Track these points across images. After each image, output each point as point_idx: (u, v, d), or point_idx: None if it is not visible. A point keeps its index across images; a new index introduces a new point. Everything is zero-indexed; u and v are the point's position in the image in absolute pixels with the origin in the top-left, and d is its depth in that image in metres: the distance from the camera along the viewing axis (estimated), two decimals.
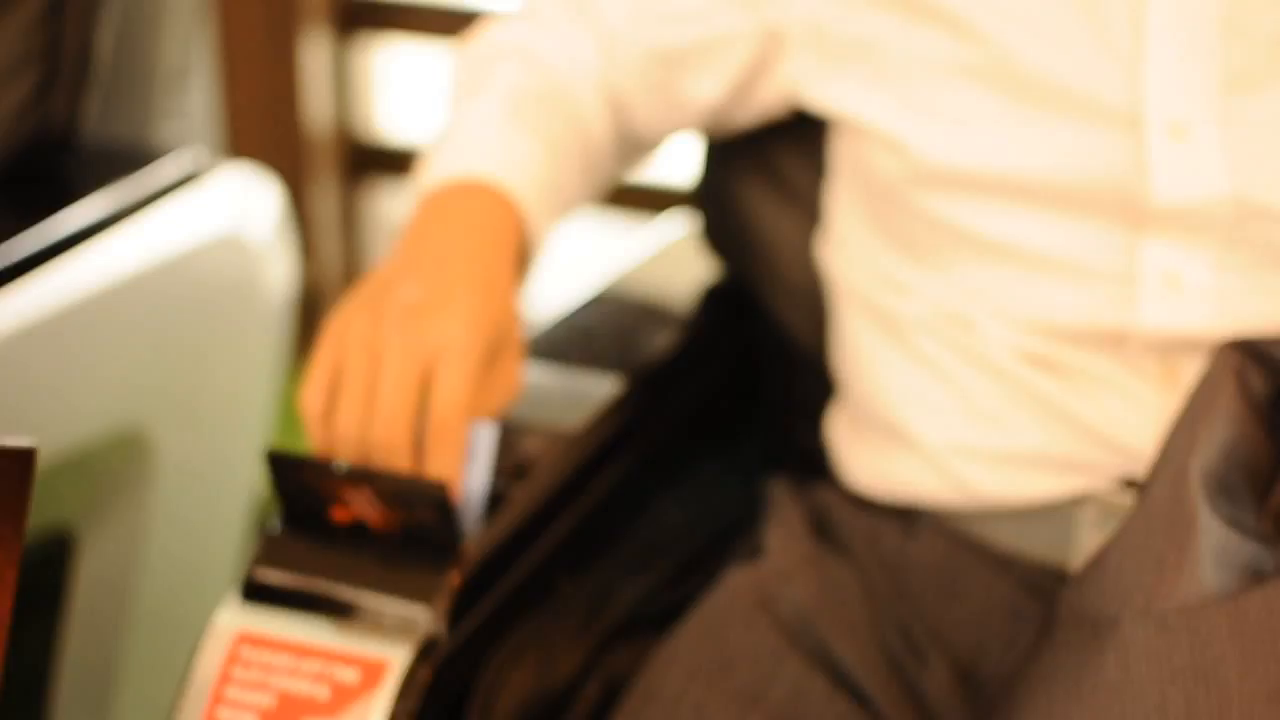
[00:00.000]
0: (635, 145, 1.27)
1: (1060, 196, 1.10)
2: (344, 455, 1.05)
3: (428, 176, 1.17)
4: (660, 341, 1.30)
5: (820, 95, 1.19)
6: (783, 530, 1.19)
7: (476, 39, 1.26)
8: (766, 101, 1.23)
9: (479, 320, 1.07)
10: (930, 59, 1.12)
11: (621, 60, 1.22)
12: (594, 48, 1.22)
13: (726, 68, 1.21)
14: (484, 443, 1.08)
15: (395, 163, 2.68)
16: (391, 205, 2.76)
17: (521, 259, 1.15)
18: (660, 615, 1.19)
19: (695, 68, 1.22)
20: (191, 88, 1.66)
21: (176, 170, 1.53)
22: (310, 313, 2.60)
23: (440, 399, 1.04)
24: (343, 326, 1.08)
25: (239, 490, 1.65)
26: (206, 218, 1.53)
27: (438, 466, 1.04)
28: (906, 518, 1.19)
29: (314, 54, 2.59)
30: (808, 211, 1.29)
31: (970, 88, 1.11)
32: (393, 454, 1.04)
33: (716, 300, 1.37)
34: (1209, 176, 1.06)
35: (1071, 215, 1.10)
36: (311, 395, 1.07)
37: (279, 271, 1.60)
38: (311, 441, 1.08)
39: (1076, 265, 1.11)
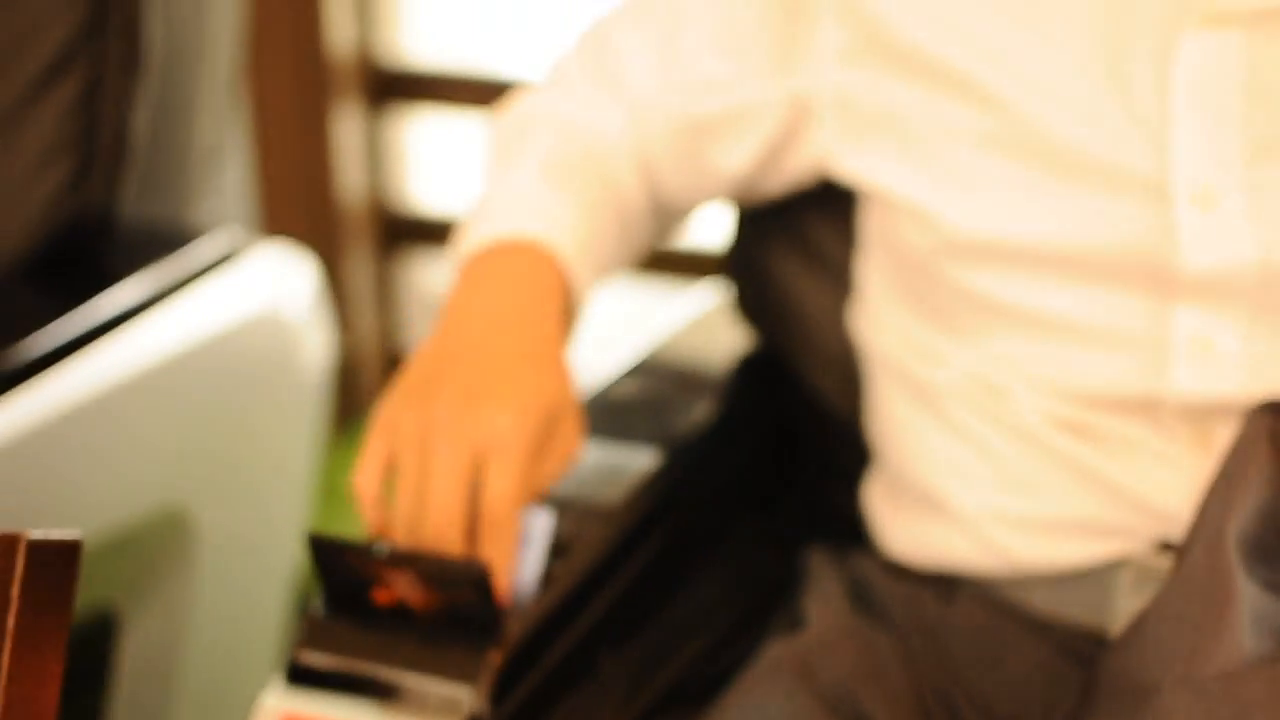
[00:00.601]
0: (668, 212, 1.28)
1: (1088, 265, 1.10)
2: (398, 540, 1.07)
3: (466, 243, 1.18)
4: (696, 413, 1.30)
5: (848, 166, 1.19)
6: (821, 600, 1.19)
7: (509, 110, 1.27)
8: (795, 171, 1.24)
9: (528, 406, 1.07)
10: (956, 130, 1.12)
11: (650, 129, 1.23)
12: (623, 116, 1.23)
13: (755, 138, 1.22)
14: (540, 528, 1.09)
15: (430, 233, 2.70)
16: (426, 276, 2.77)
17: (567, 317, 1.16)
18: (701, 689, 1.19)
19: (723, 137, 1.22)
20: (226, 165, 1.68)
21: (213, 250, 1.55)
22: (347, 386, 2.62)
23: (491, 492, 1.05)
24: (393, 414, 1.09)
25: (280, 565, 1.66)
26: (243, 297, 1.55)
27: (491, 557, 1.05)
28: (945, 584, 1.19)
29: (346, 127, 2.61)
30: (839, 280, 1.29)
31: (996, 158, 1.11)
32: (445, 545, 1.05)
33: (751, 370, 1.37)
34: (1236, 244, 1.06)
35: (1100, 284, 1.10)
36: (365, 481, 1.08)
37: (316, 347, 1.61)
38: (366, 526, 1.09)
39: (1107, 333, 1.11)
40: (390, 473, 1.08)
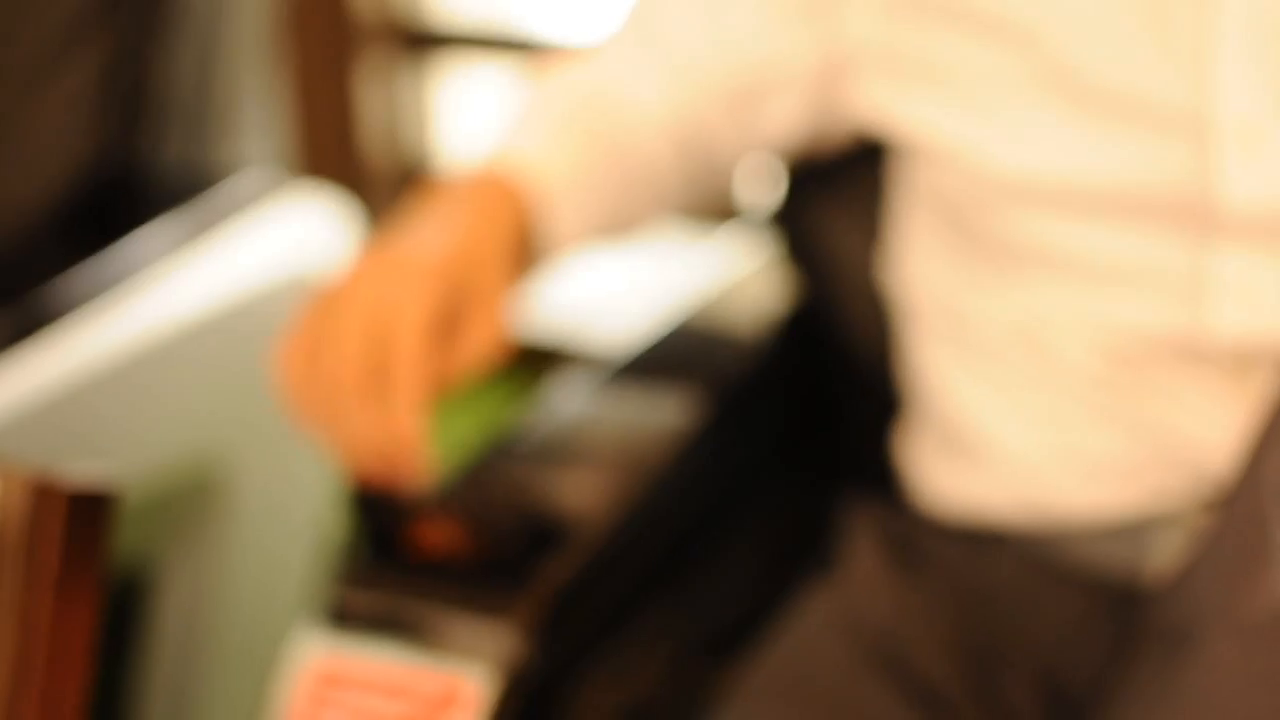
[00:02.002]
0: (715, 170, 1.27)
1: (1130, 205, 1.09)
2: (315, 413, 1.09)
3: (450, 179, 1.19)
4: (734, 369, 1.31)
5: (893, 115, 1.18)
6: (861, 550, 1.19)
7: (545, 78, 1.27)
8: (841, 125, 1.23)
9: (429, 276, 1.09)
10: (996, 72, 1.12)
11: (695, 89, 1.22)
12: (665, 78, 1.23)
13: (797, 93, 1.21)
14: None
15: None
16: None
17: (524, 248, 1.16)
18: (740, 639, 1.19)
19: (768, 94, 1.22)
20: (262, 113, 1.68)
21: (249, 195, 1.55)
22: None
23: (390, 353, 1.07)
24: (324, 294, 1.12)
25: (310, 523, 1.66)
26: (278, 248, 1.55)
27: (393, 410, 1.07)
28: (983, 537, 1.19)
29: (375, 81, 2.61)
30: (882, 234, 1.29)
31: (1037, 99, 1.11)
32: (339, 409, 1.07)
33: (788, 327, 1.37)
34: (1277, 183, 1.06)
35: (1142, 225, 1.10)
36: (288, 358, 1.11)
37: None
38: (287, 400, 1.11)
39: (1148, 276, 1.10)
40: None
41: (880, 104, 1.19)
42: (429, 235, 1.12)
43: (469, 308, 1.11)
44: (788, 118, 1.23)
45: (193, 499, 1.52)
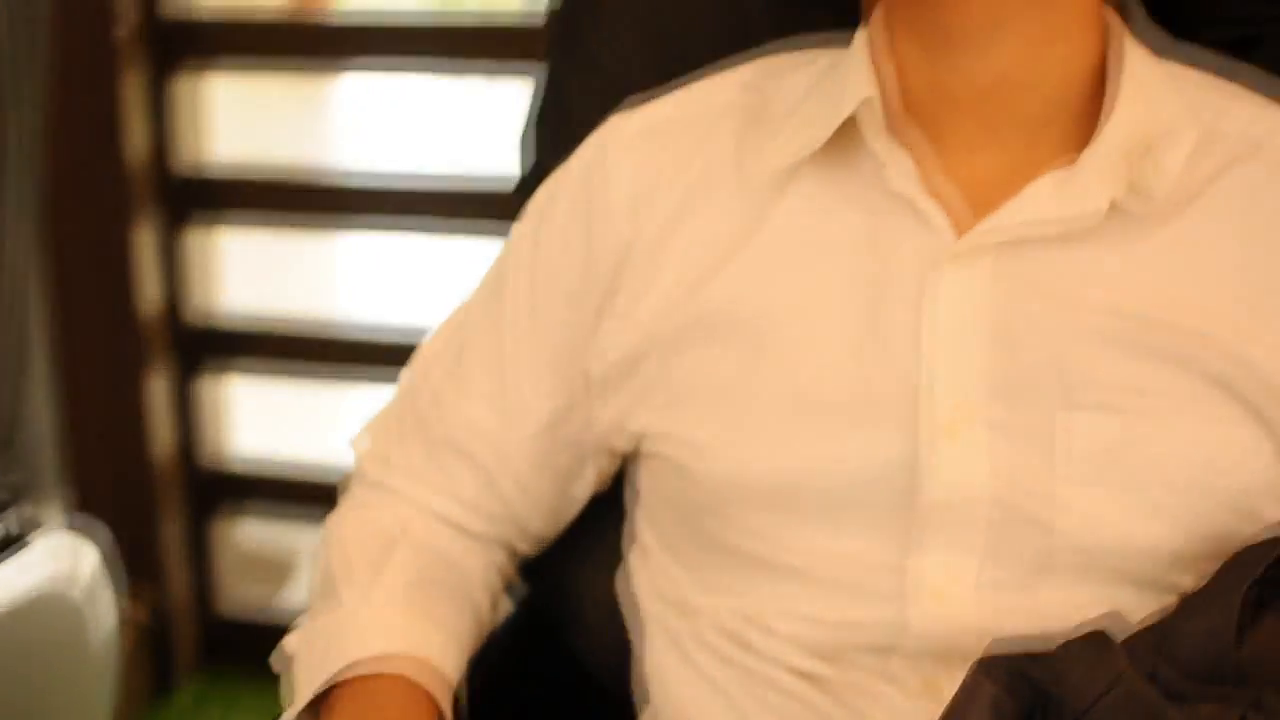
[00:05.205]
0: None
1: (837, 507, 1.12)
2: None
3: (328, 667, 1.20)
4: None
5: (623, 424, 1.23)
6: None
7: (346, 513, 1.31)
8: (616, 450, 1.28)
9: None
10: (724, 380, 1.16)
11: (506, 485, 1.28)
12: (472, 488, 1.29)
13: (596, 458, 1.28)
14: None
15: (243, 490, 2.71)
16: (239, 533, 2.78)
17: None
18: None
19: (576, 467, 1.29)
20: (35, 428, 1.68)
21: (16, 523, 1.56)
22: (161, 639, 2.61)
23: None
24: None
25: None
26: (26, 578, 1.55)
27: None
28: None
29: (158, 385, 2.63)
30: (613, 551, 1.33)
31: (765, 405, 1.14)
32: None
33: (519, 630, 1.40)
34: (975, 478, 1.09)
35: (848, 528, 1.12)
36: None
37: (102, 625, 1.62)
38: None
39: (853, 578, 1.13)
40: None
41: (615, 414, 1.24)
42: None
43: None
44: (597, 476, 1.30)
45: None
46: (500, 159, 1.71)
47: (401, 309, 4.04)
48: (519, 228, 1.29)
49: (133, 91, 2.49)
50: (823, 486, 1.13)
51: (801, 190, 1.17)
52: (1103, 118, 1.12)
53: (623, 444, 1.24)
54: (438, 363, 1.31)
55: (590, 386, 1.24)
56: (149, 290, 2.57)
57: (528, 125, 1.43)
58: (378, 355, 2.61)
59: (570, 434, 1.27)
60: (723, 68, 1.27)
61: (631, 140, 1.24)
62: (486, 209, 2.50)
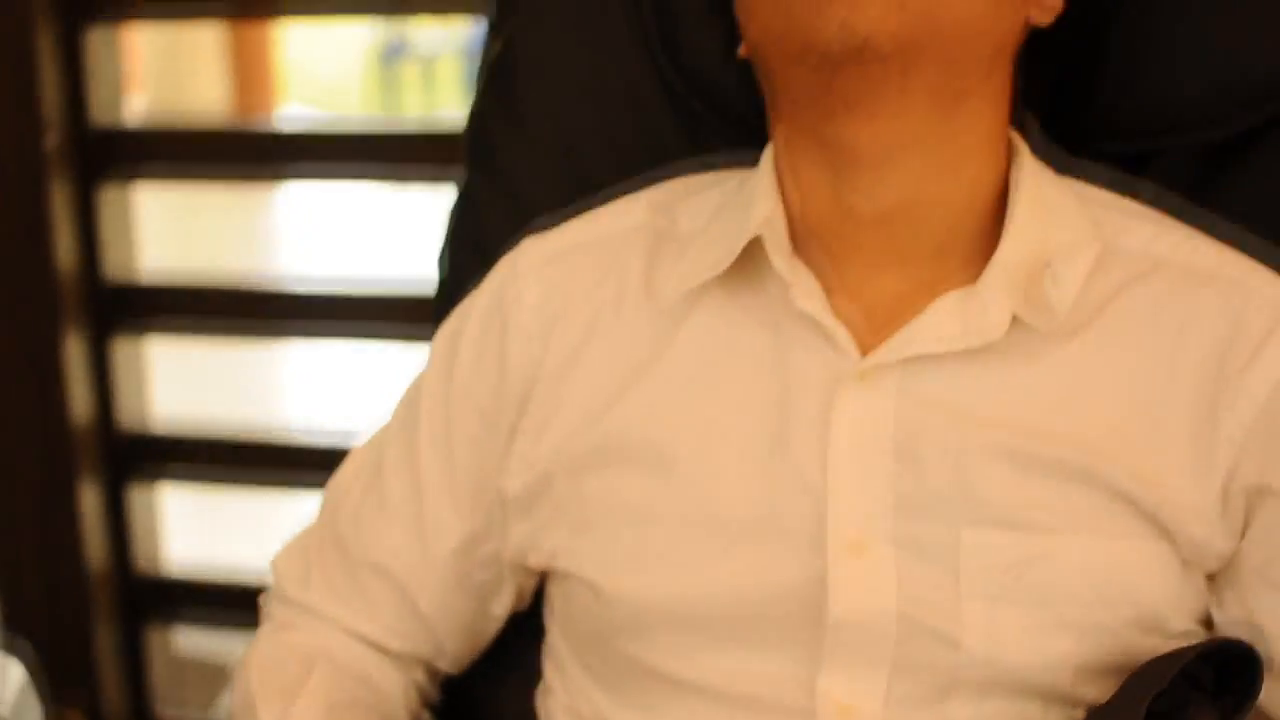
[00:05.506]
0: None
1: (747, 626, 1.13)
2: None
3: None
4: None
5: (534, 548, 1.24)
6: None
7: (265, 635, 1.32)
8: (532, 568, 1.28)
9: None
10: (625, 505, 1.17)
11: (427, 605, 1.28)
12: (390, 608, 1.28)
13: (510, 577, 1.28)
14: None
15: (178, 598, 2.70)
16: (174, 641, 2.77)
17: None
18: None
19: (493, 589, 1.29)
20: None
21: None
22: None
23: None
24: None
25: None
26: None
27: None
28: None
29: (89, 496, 2.62)
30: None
31: (662, 529, 1.15)
32: None
33: None
34: (881, 595, 1.10)
35: (758, 647, 1.13)
36: None
37: None
38: None
39: (766, 696, 1.13)
40: None
41: (529, 533, 1.24)
42: None
43: None
44: (516, 594, 1.30)
45: None
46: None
47: (339, 415, 4.04)
48: (434, 347, 1.30)
49: (61, 200, 2.49)
50: (731, 607, 1.13)
51: (709, 310, 1.18)
52: (1004, 236, 1.13)
53: (538, 562, 1.25)
54: (357, 482, 1.31)
55: (505, 505, 1.25)
56: (79, 399, 2.56)
57: (445, 238, 1.44)
58: (313, 461, 2.60)
59: (488, 553, 1.27)
60: (633, 187, 1.29)
61: (543, 263, 1.25)
62: (424, 315, 2.50)
